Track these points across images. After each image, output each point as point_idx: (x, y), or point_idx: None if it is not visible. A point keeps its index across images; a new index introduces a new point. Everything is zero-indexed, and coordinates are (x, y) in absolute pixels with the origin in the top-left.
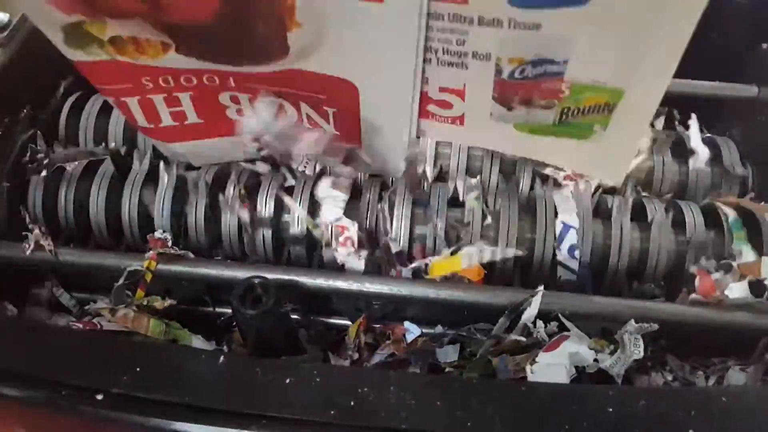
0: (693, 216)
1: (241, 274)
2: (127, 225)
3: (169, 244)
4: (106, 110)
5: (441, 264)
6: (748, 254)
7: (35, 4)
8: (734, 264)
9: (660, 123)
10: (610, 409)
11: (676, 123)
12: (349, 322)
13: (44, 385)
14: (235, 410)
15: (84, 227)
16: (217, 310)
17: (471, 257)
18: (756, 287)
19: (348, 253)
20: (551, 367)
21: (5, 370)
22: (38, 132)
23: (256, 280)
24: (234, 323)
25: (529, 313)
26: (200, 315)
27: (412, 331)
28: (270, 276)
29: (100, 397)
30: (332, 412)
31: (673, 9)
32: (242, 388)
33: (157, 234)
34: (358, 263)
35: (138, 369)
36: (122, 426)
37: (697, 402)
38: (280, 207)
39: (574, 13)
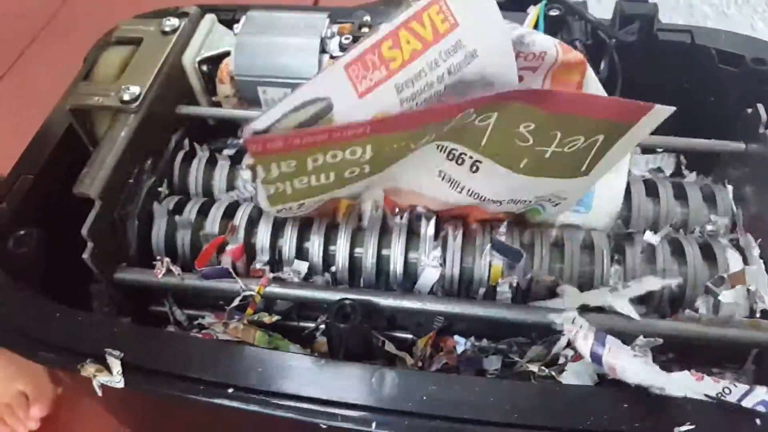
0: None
1: (327, 296)
2: None
3: (268, 270)
4: (211, 162)
5: None
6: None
7: None
8: (725, 275)
9: (670, 168)
10: (625, 405)
11: (683, 168)
12: (408, 336)
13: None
14: (332, 399)
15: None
16: (301, 324)
17: None
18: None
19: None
20: (578, 375)
21: (153, 370)
22: (158, 179)
23: (347, 301)
24: (315, 334)
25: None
26: (289, 327)
27: (461, 343)
28: (352, 297)
29: (230, 390)
30: (409, 404)
31: None
32: (337, 384)
33: (258, 265)
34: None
35: (259, 369)
36: (247, 414)
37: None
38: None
39: None
